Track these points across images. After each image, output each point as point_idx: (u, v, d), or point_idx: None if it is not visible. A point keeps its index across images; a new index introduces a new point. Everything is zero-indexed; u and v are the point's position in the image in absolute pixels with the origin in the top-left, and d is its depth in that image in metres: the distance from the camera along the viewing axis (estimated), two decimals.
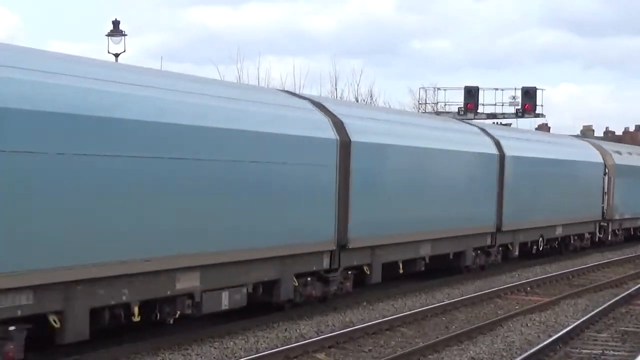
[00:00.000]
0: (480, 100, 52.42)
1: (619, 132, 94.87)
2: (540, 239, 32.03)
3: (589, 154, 37.31)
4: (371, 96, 59.52)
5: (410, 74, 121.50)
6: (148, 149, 14.59)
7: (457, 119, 41.31)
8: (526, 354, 16.05)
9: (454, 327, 19.48)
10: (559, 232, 33.77)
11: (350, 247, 20.24)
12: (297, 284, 19.00)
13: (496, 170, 27.97)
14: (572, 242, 35.86)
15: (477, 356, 16.45)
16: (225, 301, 16.79)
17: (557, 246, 34.87)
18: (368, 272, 21.55)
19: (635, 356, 16.19)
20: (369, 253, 21.42)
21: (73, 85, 13.54)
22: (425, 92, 56.89)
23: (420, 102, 57.31)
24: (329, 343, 16.90)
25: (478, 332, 18.61)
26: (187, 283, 15.75)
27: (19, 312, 12.54)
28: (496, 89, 52.88)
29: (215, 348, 16.26)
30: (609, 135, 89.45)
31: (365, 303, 21.79)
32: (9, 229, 12.18)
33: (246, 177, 16.92)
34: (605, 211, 37.81)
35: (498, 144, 28.49)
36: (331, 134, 19.61)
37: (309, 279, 19.52)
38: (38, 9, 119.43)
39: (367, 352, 16.64)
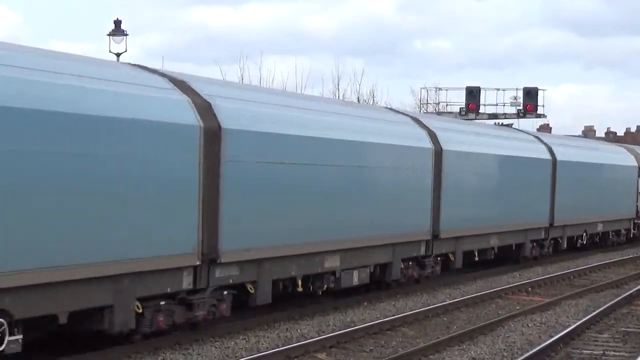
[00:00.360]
0: (482, 101, 52.34)
1: (620, 133, 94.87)
2: (584, 233, 36.16)
3: (625, 158, 41.12)
4: (373, 96, 59.45)
5: (411, 74, 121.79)
6: (331, 159, 19.69)
7: (460, 119, 41.42)
8: (527, 354, 16.05)
9: (455, 327, 19.48)
10: (599, 228, 37.80)
11: (441, 237, 24.48)
12: (402, 267, 23.06)
13: (550, 173, 32.24)
14: (610, 237, 39.45)
15: (478, 356, 16.45)
16: (355, 278, 21.09)
17: (597, 241, 38.53)
18: (453, 259, 25.80)
19: (636, 356, 16.18)
20: (454, 242, 25.71)
21: (298, 115, 19.26)
22: (427, 92, 56.87)
23: (422, 102, 57.31)
24: (330, 343, 16.91)
25: (479, 333, 18.61)
26: (331, 263, 20.08)
27: (231, 281, 16.99)
28: (497, 89, 52.83)
29: (216, 348, 16.26)
30: (610, 136, 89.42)
31: (366, 303, 21.79)
32: (240, 222, 16.74)
33: (375, 180, 21.48)
34: (639, 210, 41.25)
35: (551, 150, 32.81)
36: (428, 144, 24.20)
37: (410, 262, 23.66)
38: (39, 9, 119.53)
39: (369, 352, 16.64)
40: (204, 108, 16.04)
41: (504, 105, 52.66)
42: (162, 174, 15.01)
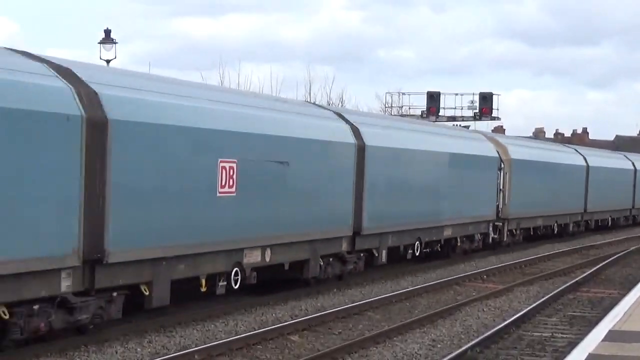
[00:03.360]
0: (442, 104, 52.38)
1: (567, 134, 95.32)
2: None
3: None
4: (342, 100, 59.32)
5: (376, 80, 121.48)
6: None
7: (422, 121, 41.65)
8: (482, 336, 16.09)
9: (416, 311, 19.50)
10: None
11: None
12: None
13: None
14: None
15: (437, 338, 16.48)
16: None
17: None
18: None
19: (582, 338, 16.23)
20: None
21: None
22: (391, 96, 56.91)
23: (386, 105, 57.34)
24: (302, 326, 16.89)
25: (439, 317, 18.64)
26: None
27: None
28: (456, 94, 52.87)
29: (197, 330, 16.21)
30: (558, 137, 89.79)
31: (335, 289, 21.78)
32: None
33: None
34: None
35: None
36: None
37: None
38: (36, 18, 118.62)
39: (337, 335, 16.63)
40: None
41: (461, 109, 52.75)
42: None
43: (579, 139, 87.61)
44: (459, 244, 29.33)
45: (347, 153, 21.92)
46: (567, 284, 23.96)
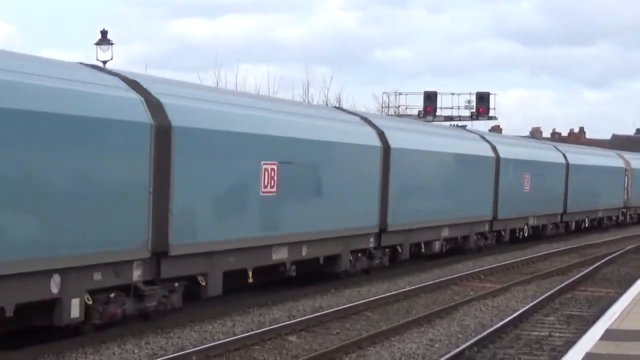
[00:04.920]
0: (439, 104, 52.34)
1: (564, 134, 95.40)
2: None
3: None
4: (339, 101, 59.33)
5: (374, 80, 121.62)
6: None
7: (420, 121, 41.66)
8: (480, 336, 16.09)
9: (414, 311, 19.50)
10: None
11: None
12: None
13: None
14: None
15: (435, 338, 16.48)
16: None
17: None
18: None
19: (579, 337, 16.23)
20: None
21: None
22: (388, 96, 56.91)
23: (383, 106, 57.34)
24: (300, 327, 16.88)
25: (436, 316, 18.64)
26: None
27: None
28: (453, 94, 52.86)
29: (195, 331, 16.20)
30: (555, 137, 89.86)
31: (333, 290, 21.78)
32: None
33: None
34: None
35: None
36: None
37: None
38: (32, 19, 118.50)
39: (335, 335, 16.62)
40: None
41: (458, 109, 52.73)
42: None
43: (576, 138, 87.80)
44: (604, 221, 46.64)
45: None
46: (564, 283, 23.97)
